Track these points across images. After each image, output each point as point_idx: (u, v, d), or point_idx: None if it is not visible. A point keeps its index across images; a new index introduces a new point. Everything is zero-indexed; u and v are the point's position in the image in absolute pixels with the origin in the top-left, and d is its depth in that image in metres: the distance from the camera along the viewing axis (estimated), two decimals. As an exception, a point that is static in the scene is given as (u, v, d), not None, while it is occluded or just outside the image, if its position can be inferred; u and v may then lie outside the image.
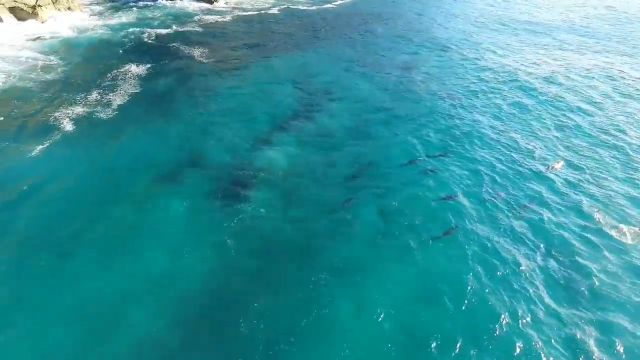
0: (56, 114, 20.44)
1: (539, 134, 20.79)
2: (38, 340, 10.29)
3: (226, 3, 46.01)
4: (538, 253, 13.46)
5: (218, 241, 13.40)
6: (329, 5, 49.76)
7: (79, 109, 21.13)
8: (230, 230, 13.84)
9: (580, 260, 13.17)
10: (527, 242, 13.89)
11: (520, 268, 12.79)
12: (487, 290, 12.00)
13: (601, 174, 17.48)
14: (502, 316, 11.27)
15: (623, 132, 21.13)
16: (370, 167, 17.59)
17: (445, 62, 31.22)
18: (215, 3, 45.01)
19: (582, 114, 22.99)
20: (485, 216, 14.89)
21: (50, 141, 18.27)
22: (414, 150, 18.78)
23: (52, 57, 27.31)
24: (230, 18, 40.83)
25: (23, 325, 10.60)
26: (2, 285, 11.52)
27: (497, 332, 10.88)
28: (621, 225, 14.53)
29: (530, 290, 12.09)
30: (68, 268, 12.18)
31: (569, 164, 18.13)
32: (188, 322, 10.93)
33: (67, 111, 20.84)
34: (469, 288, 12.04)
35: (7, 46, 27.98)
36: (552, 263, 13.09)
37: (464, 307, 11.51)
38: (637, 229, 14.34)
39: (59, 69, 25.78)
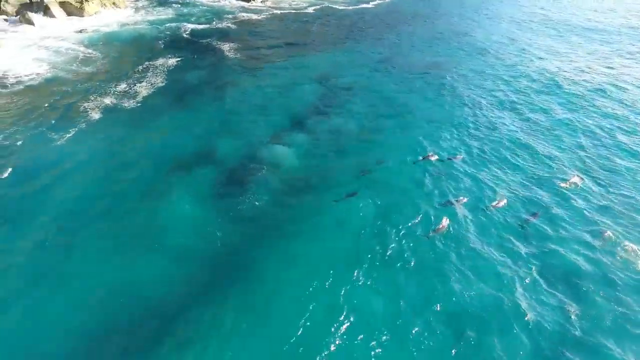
0: (87, 104, 21.61)
1: (566, 148, 19.20)
2: (37, 330, 10.65)
3: (262, 2, 46.54)
4: (527, 267, 12.58)
5: (212, 237, 13.55)
6: (366, 5, 49.10)
7: (109, 100, 22.21)
8: (226, 224, 14.03)
9: (579, 282, 12.13)
10: (518, 255, 13.03)
11: (505, 282, 11.99)
12: (462, 305, 11.36)
13: (629, 195, 15.82)
14: (469, 331, 10.65)
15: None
16: (376, 166, 17.25)
17: (479, 66, 29.78)
18: (252, 1, 45.70)
19: (624, 129, 20.97)
20: (482, 225, 14.18)
21: (77, 130, 19.27)
22: (424, 153, 18.15)
23: (92, 50, 28.98)
24: (266, 16, 41.38)
25: (23, 316, 10.96)
26: (5, 279, 11.99)
27: (461, 349, 10.23)
28: (632, 246, 13.11)
29: (510, 306, 11.29)
30: (71, 265, 12.52)
31: (596, 182, 16.60)
32: (168, 314, 11.07)
33: (98, 102, 21.98)
34: (444, 298, 11.54)
35: (53, 38, 30.12)
36: (542, 282, 12.12)
37: (434, 318, 10.99)
38: None
39: (98, 62, 27.30)
